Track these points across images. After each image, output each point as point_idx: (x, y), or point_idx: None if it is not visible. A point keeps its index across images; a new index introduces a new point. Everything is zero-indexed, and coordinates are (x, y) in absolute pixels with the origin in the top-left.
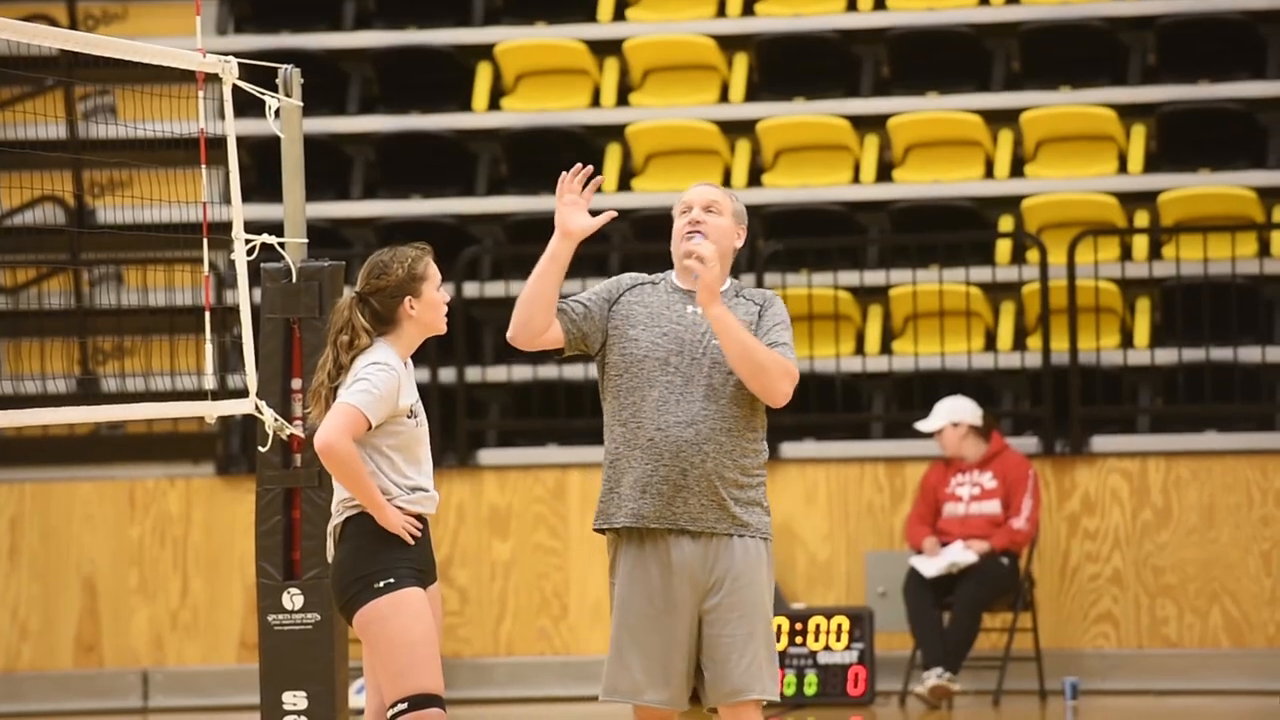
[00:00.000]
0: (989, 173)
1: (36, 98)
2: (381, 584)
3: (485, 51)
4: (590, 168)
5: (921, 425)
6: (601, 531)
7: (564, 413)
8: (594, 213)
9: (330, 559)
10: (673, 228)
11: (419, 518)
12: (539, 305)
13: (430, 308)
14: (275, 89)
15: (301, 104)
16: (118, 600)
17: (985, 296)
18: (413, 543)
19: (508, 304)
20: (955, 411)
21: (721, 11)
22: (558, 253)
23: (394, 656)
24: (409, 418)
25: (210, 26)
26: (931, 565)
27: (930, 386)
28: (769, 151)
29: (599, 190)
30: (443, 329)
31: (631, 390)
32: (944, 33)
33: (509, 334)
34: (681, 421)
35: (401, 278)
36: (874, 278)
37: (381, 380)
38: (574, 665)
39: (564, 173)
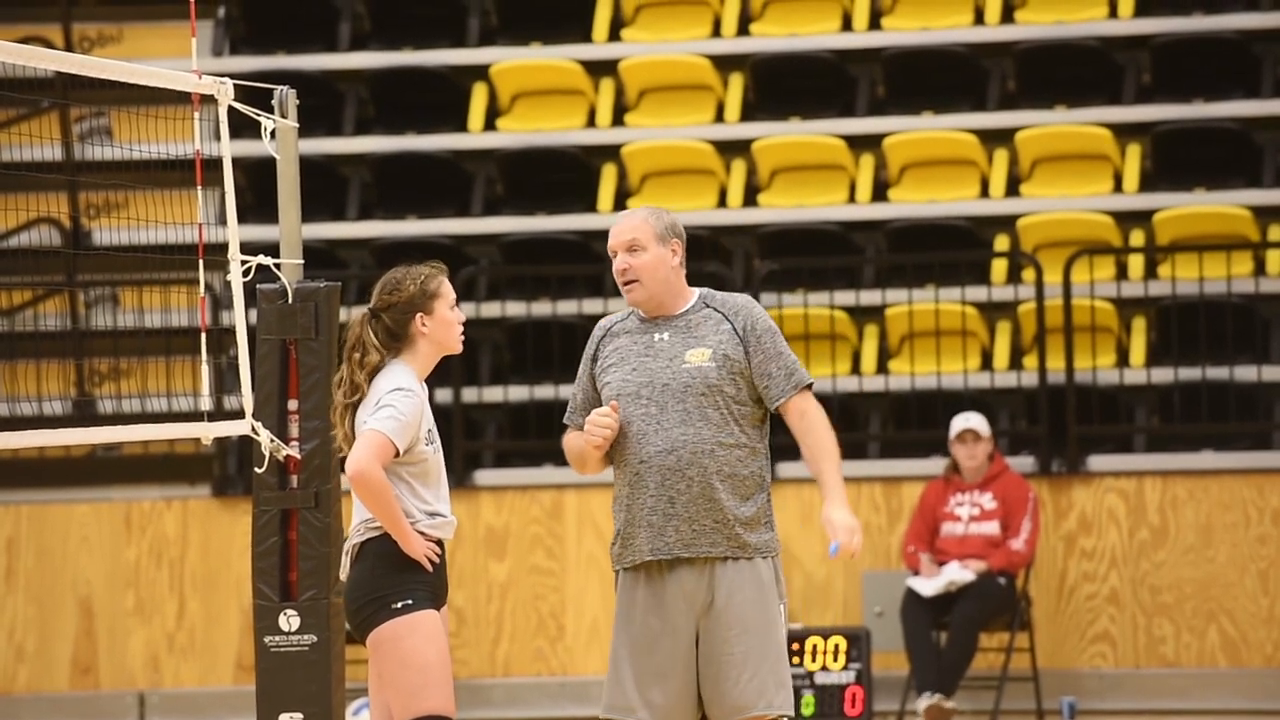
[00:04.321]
0: (984, 192)
1: (32, 119)
2: (398, 604)
3: (481, 72)
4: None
5: (972, 423)
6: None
7: (561, 433)
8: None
9: (344, 577)
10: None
11: (438, 542)
12: (589, 469)
13: (443, 326)
14: (271, 110)
15: (297, 125)
16: (114, 622)
17: (981, 316)
18: (431, 569)
19: (504, 324)
20: (987, 427)
21: (717, 31)
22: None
23: (407, 677)
24: (427, 444)
25: (206, 48)
26: (929, 585)
27: (927, 406)
28: (764, 171)
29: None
30: (458, 348)
31: (618, 431)
32: (939, 52)
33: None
34: (662, 450)
35: (413, 294)
36: (870, 297)
37: (407, 407)
38: (571, 686)
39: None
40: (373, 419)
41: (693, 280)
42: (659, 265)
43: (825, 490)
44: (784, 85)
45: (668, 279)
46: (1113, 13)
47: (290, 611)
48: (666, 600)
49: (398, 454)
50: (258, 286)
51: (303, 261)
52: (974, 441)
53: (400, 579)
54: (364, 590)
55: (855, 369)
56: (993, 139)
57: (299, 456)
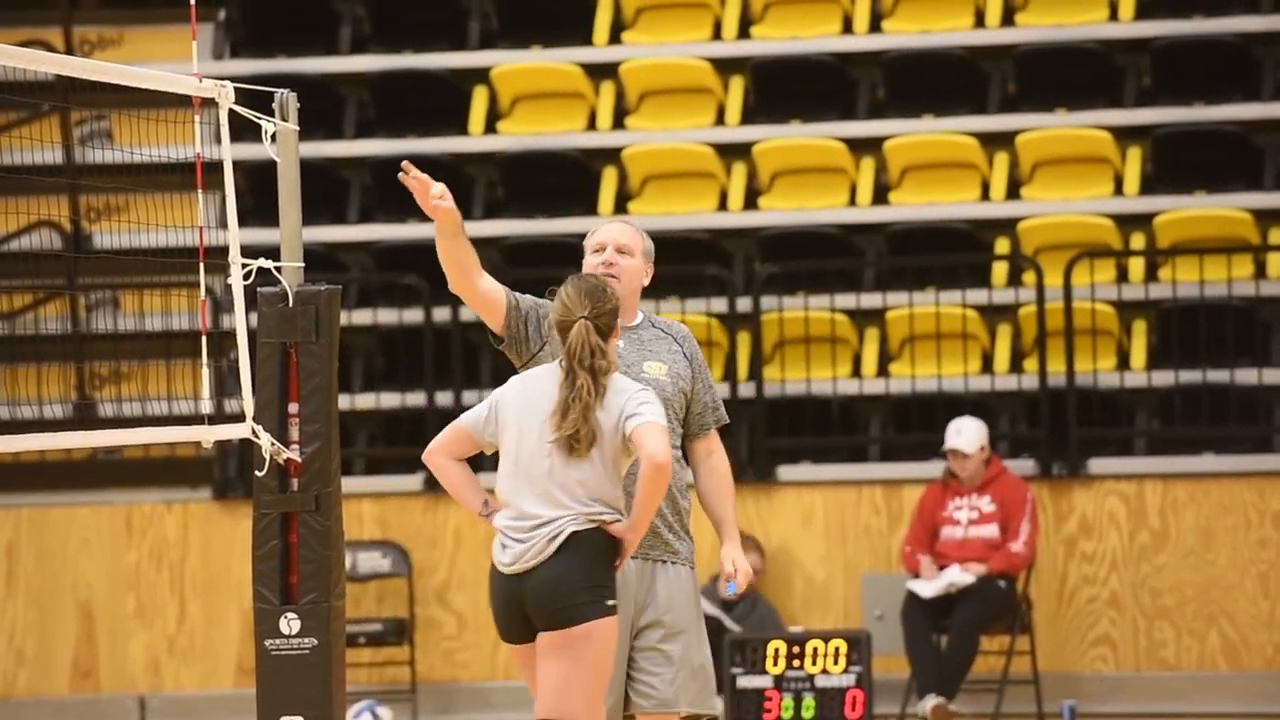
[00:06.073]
0: (985, 195)
1: (32, 123)
2: (610, 603)
3: (481, 75)
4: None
5: (957, 444)
6: None
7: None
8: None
9: (537, 560)
10: (583, 263)
11: None
12: (444, 264)
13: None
14: (271, 113)
15: (298, 128)
16: (115, 625)
17: (982, 319)
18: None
19: None
20: (983, 435)
21: (717, 34)
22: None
23: (596, 680)
24: None
25: (206, 51)
26: (929, 586)
27: (927, 409)
28: (765, 174)
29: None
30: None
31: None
32: (939, 55)
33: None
34: None
35: (617, 304)
36: (870, 300)
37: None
38: None
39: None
40: (648, 412)
41: (694, 281)
42: (636, 275)
43: (726, 531)
44: (784, 88)
45: (636, 291)
46: (1113, 15)
47: (291, 615)
48: None
49: None
50: (258, 290)
51: (303, 265)
52: (962, 459)
53: (612, 577)
54: (582, 579)
55: (856, 372)
56: (993, 142)
57: (299, 460)
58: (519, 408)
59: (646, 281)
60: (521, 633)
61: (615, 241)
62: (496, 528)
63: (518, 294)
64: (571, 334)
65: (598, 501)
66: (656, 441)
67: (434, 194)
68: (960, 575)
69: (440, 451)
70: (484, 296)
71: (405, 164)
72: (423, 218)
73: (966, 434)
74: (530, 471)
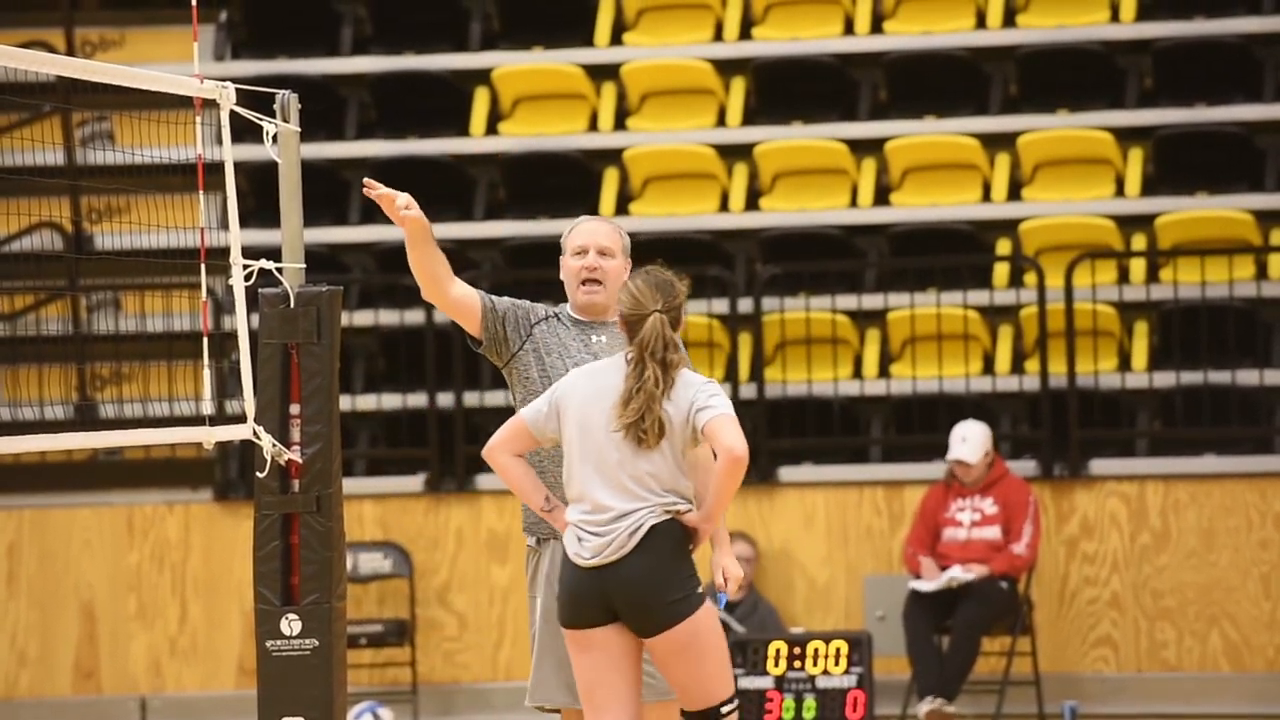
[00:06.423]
0: (986, 196)
1: (34, 124)
2: (700, 590)
3: (483, 76)
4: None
5: (962, 454)
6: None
7: None
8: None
9: (619, 554)
10: (561, 260)
11: None
12: (414, 270)
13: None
14: (273, 114)
15: (299, 129)
16: (116, 626)
17: (983, 320)
18: None
19: None
20: (987, 441)
21: (719, 35)
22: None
23: (720, 656)
24: None
25: (208, 52)
26: (930, 583)
27: (929, 410)
28: (766, 175)
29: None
30: None
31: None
32: (941, 56)
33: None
34: None
35: (684, 298)
36: (872, 301)
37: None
38: None
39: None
40: (718, 404)
41: (696, 282)
42: (619, 275)
43: (716, 538)
44: (786, 89)
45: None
46: (1114, 17)
47: (292, 616)
48: None
49: None
50: (259, 291)
51: (305, 266)
52: (966, 468)
53: (693, 565)
54: (671, 575)
55: (857, 373)
56: (995, 143)
57: (301, 461)
58: (583, 400)
59: (624, 279)
60: (590, 619)
61: (596, 244)
62: (569, 522)
63: (493, 296)
64: (645, 327)
65: (670, 492)
66: (734, 435)
67: (400, 204)
68: (963, 573)
69: (501, 448)
70: (457, 303)
71: (367, 180)
72: None
73: (971, 443)
74: (601, 464)
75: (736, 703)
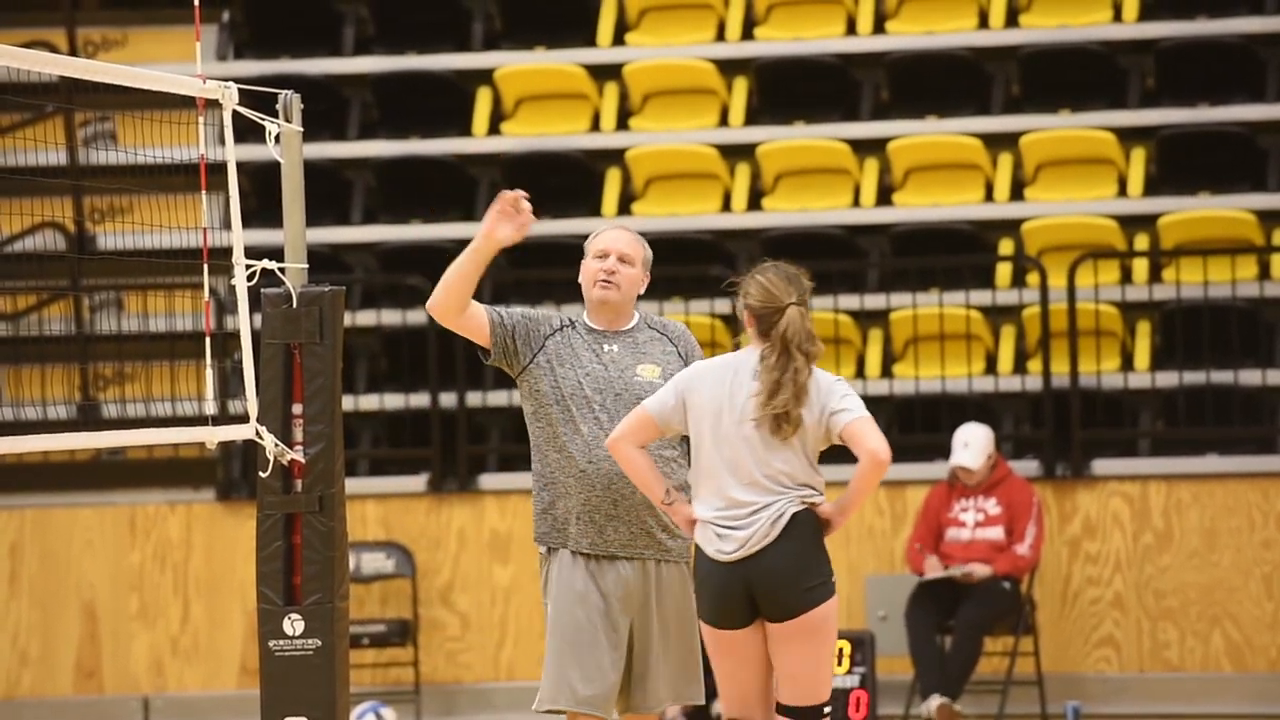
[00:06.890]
0: (989, 196)
1: (36, 124)
2: (833, 581)
3: (485, 76)
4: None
5: (964, 460)
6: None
7: None
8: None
9: (763, 543)
10: (582, 263)
11: None
12: (454, 289)
13: None
14: (275, 114)
15: (302, 129)
16: (118, 626)
17: (985, 320)
18: None
19: None
20: (990, 444)
21: (721, 35)
22: (479, 249)
23: (833, 652)
24: None
25: (210, 52)
26: (944, 571)
27: (931, 410)
28: (769, 175)
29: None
30: None
31: (564, 421)
32: (943, 56)
33: (428, 302)
34: (610, 456)
35: (809, 292)
36: (874, 301)
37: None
38: None
39: (506, 191)
40: (855, 405)
41: (698, 283)
42: (635, 283)
43: None
44: (788, 89)
45: (632, 299)
46: (1117, 17)
47: (294, 616)
48: (607, 596)
49: None
50: (262, 291)
51: (307, 266)
52: (969, 472)
53: (828, 556)
54: (811, 561)
55: (859, 373)
56: (997, 143)
57: (303, 461)
58: (714, 395)
59: (642, 290)
60: (743, 617)
61: (618, 250)
62: (703, 520)
63: (503, 310)
64: (785, 318)
65: (804, 486)
66: (877, 438)
67: (521, 222)
68: (981, 568)
69: (626, 440)
70: (467, 323)
71: (512, 192)
72: (426, 219)
73: (973, 448)
74: (733, 461)
75: (831, 708)
